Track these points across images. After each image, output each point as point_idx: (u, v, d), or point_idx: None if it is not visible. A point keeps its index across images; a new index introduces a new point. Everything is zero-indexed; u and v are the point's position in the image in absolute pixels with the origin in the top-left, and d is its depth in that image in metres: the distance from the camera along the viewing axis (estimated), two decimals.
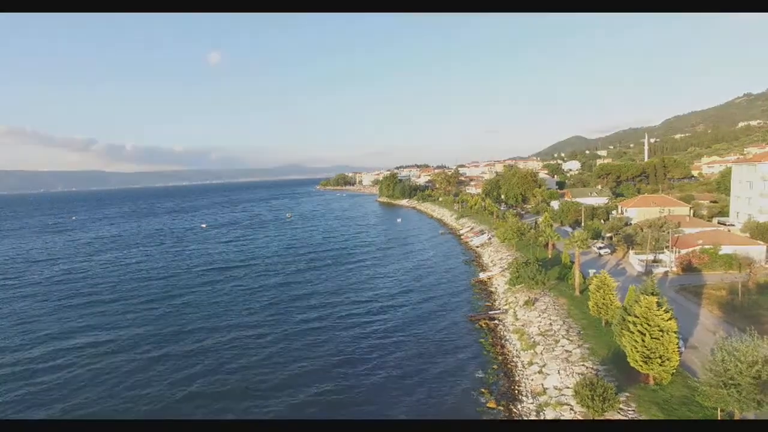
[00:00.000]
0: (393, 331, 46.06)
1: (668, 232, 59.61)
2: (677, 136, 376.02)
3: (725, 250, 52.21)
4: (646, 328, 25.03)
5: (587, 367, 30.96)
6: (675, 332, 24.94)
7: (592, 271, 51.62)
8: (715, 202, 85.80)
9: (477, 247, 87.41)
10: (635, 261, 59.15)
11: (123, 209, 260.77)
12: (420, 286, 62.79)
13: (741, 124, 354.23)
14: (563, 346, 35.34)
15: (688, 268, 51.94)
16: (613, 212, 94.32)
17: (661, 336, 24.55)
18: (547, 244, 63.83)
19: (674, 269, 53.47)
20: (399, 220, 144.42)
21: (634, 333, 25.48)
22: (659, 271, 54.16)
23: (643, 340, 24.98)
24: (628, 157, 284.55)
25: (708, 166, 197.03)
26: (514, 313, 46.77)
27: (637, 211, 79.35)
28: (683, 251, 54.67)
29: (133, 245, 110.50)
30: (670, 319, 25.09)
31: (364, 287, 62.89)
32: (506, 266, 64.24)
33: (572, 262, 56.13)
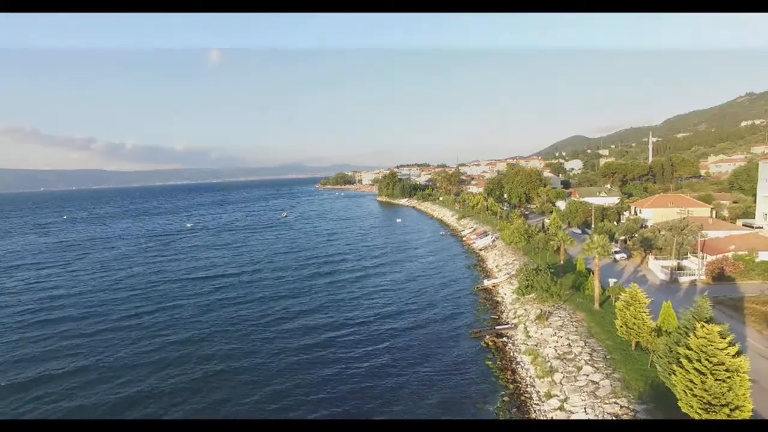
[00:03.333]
0: (386, 350, 40.36)
1: (693, 236, 53.93)
2: (679, 136, 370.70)
3: (762, 256, 46.53)
4: (706, 367, 19.36)
5: (621, 406, 25.29)
6: (746, 372, 19.24)
7: (612, 281, 46.02)
8: (735, 202, 79.99)
9: (480, 249, 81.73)
10: (656, 268, 53.46)
11: (118, 208, 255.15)
12: (419, 294, 57.12)
13: (744, 124, 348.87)
14: (587, 375, 29.66)
15: (719, 276, 46.25)
16: (625, 213, 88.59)
17: (729, 378, 18.89)
18: (558, 248, 58.18)
19: (703, 278, 47.79)
20: (399, 220, 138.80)
21: (689, 372, 19.80)
22: (686, 279, 48.51)
23: (703, 382, 19.31)
24: (630, 156, 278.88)
25: (715, 165, 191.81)
26: (525, 329, 41.09)
27: (653, 212, 73.61)
28: (712, 257, 48.99)
29: (115, 248, 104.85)
30: (737, 354, 19.44)
31: (358, 296, 57.12)
32: (514, 273, 58.56)
33: (588, 270, 50.49)
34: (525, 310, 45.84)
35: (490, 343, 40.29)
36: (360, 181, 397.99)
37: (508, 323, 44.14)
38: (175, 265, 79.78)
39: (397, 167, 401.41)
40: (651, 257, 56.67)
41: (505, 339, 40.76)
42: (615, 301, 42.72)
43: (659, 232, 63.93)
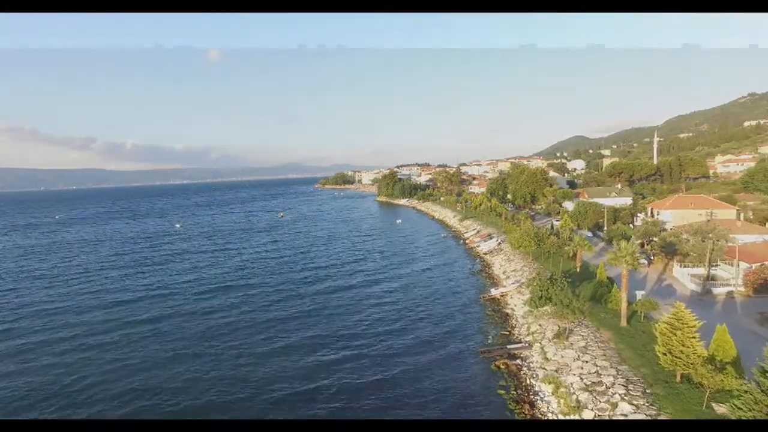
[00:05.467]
0: (383, 371, 34.95)
1: (726, 241, 48.54)
2: (682, 136, 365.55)
3: None
4: None
5: None
6: None
7: (639, 293, 40.67)
8: (763, 203, 74.40)
9: (485, 254, 76.34)
10: (683, 276, 48.10)
11: (111, 208, 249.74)
12: (419, 304, 51.69)
13: (747, 124, 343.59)
14: (626, 416, 24.25)
15: (762, 288, 40.87)
16: (640, 215, 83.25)
17: None
18: (574, 254, 52.85)
19: (741, 289, 42.44)
20: (398, 221, 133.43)
21: None
22: (720, 290, 43.15)
23: None
24: (633, 157, 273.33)
25: (723, 165, 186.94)
26: (542, 349, 35.70)
27: (672, 214, 68.22)
28: (750, 265, 43.60)
29: (96, 252, 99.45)
30: None
31: (354, 309, 51.30)
32: (524, 281, 53.22)
33: (610, 280, 45.16)
34: (540, 325, 40.48)
35: (501, 366, 34.90)
36: (360, 181, 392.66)
37: (521, 341, 38.77)
38: (156, 274, 72.51)
39: (398, 167, 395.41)
40: (676, 264, 51.31)
41: (518, 361, 35.38)
42: (643, 317, 37.53)
43: (682, 235, 58.68)
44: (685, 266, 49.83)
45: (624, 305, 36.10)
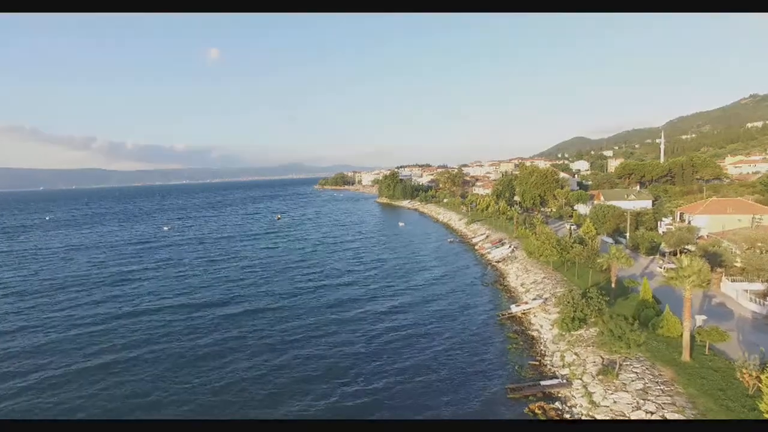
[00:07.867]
0: (387, 413, 28.31)
1: None
2: (684, 137, 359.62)
3: None
4: None
5: None
6: None
7: (701, 318, 33.92)
8: None
9: (497, 262, 69.66)
10: (739, 294, 41.35)
11: (102, 208, 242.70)
12: (430, 326, 44.87)
13: (750, 125, 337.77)
14: None
15: None
16: (664, 219, 76.51)
17: None
18: (608, 267, 46.20)
19: None
20: (401, 224, 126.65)
21: None
22: None
23: None
24: (636, 158, 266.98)
25: (734, 167, 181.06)
26: (585, 388, 28.99)
27: (707, 219, 61.51)
28: None
29: (73, 260, 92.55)
30: None
31: (354, 332, 44.28)
32: (549, 296, 46.54)
33: (655, 299, 38.49)
34: (576, 354, 33.82)
35: (537, 411, 28.17)
36: (360, 181, 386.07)
37: (556, 376, 32.02)
38: (134, 287, 63.50)
39: (398, 167, 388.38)
40: (724, 278, 44.61)
41: (557, 404, 28.62)
42: (708, 349, 30.84)
43: (722, 243, 52.06)
44: (735, 280, 43.15)
45: (686, 335, 29.42)
